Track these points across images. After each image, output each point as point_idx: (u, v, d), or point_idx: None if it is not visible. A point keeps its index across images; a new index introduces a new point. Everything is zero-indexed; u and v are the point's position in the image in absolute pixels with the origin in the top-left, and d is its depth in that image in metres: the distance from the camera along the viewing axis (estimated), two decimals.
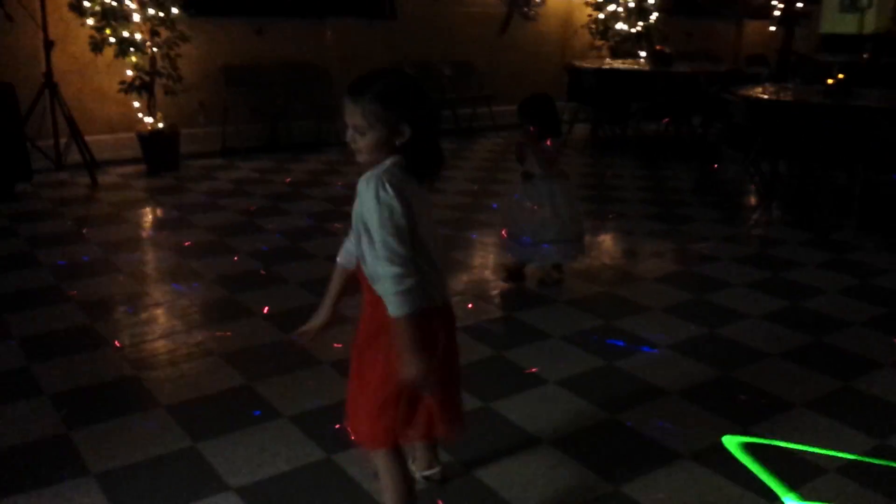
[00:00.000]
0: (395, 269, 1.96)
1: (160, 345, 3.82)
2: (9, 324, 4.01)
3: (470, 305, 4.38)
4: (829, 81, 6.71)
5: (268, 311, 4.22)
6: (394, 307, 1.99)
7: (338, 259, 2.39)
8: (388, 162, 2.03)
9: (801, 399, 3.40)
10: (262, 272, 4.84)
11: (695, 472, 2.86)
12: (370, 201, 1.96)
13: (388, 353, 2.11)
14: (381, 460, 2.28)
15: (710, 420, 3.23)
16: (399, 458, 2.30)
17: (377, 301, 2.09)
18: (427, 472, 2.71)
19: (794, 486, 2.78)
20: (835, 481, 2.82)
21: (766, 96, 6.72)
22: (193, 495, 2.66)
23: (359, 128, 2.01)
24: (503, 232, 4.77)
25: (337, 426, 3.01)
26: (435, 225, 2.21)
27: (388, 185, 1.96)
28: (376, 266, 2.00)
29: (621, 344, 3.92)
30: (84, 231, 5.61)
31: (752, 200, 7.17)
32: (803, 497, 2.71)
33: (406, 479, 2.32)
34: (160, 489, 2.69)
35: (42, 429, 3.05)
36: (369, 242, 2.01)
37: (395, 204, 1.95)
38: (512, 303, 4.48)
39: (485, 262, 5.17)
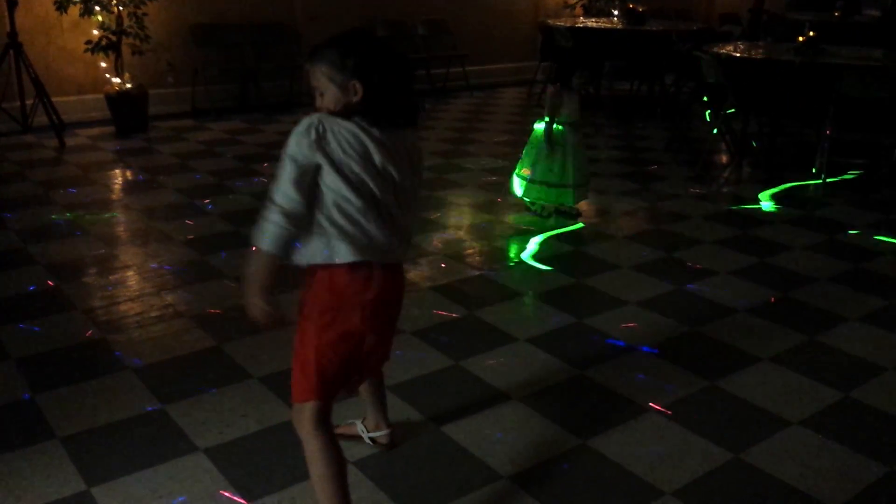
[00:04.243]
0: (279, 203, 1.97)
1: (128, 307, 3.79)
2: None
3: (443, 265, 4.38)
4: (800, 39, 6.70)
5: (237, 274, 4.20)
6: (257, 235, 2.01)
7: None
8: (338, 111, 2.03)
9: (767, 353, 3.45)
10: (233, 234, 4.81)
11: (661, 424, 2.90)
12: (292, 136, 1.98)
13: (312, 318, 2.13)
14: (306, 429, 2.13)
15: (678, 374, 3.27)
16: (329, 430, 2.15)
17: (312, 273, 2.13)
18: (375, 434, 2.72)
19: (757, 439, 2.83)
20: (798, 434, 2.87)
21: (737, 54, 6.71)
22: (162, 457, 2.66)
23: (318, 88, 2.06)
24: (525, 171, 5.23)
25: None
26: (410, 183, 2.12)
27: (313, 131, 1.96)
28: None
29: (591, 302, 3.95)
30: (51, 193, 5.53)
31: (724, 158, 7.20)
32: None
33: (337, 455, 2.15)
34: (128, 452, 2.69)
35: (7, 393, 3.03)
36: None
37: (306, 150, 1.96)
38: (484, 262, 4.48)
39: (458, 223, 5.16)
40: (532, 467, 2.65)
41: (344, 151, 1.98)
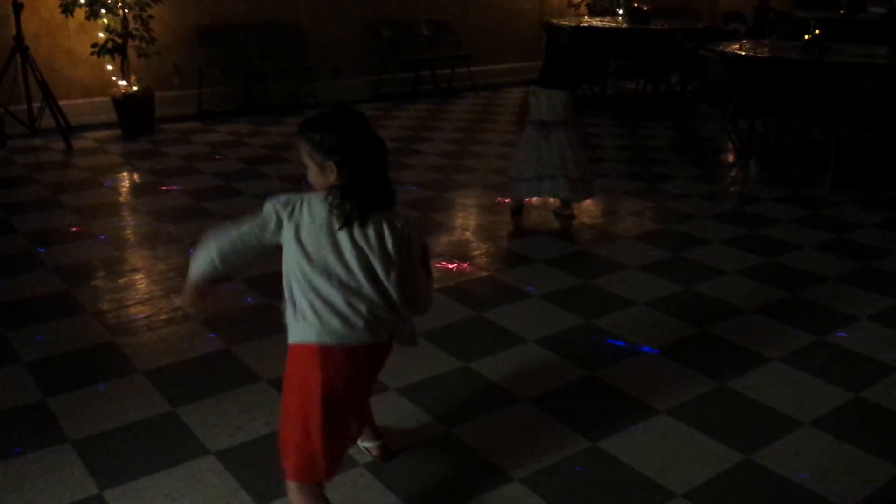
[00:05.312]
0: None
1: (138, 310, 3.80)
2: None
3: (451, 266, 4.38)
4: (806, 37, 6.69)
5: (245, 275, 4.20)
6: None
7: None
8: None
9: (777, 353, 3.44)
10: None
11: (671, 426, 2.90)
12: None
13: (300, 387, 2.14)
14: (297, 493, 2.16)
15: (687, 375, 3.26)
16: (318, 492, 2.19)
17: None
18: (367, 444, 2.69)
19: (767, 440, 2.82)
20: (810, 434, 2.87)
21: (742, 53, 6.70)
22: (173, 460, 2.67)
23: (304, 162, 2.13)
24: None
25: None
26: (385, 264, 2.14)
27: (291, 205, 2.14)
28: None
29: (600, 303, 3.94)
30: (59, 197, 5.55)
31: (730, 158, 7.19)
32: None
33: None
34: (139, 455, 2.70)
35: (18, 397, 3.04)
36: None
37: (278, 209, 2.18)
38: (492, 263, 4.48)
39: (465, 223, 5.16)
40: (542, 469, 2.65)
41: (313, 221, 2.08)
